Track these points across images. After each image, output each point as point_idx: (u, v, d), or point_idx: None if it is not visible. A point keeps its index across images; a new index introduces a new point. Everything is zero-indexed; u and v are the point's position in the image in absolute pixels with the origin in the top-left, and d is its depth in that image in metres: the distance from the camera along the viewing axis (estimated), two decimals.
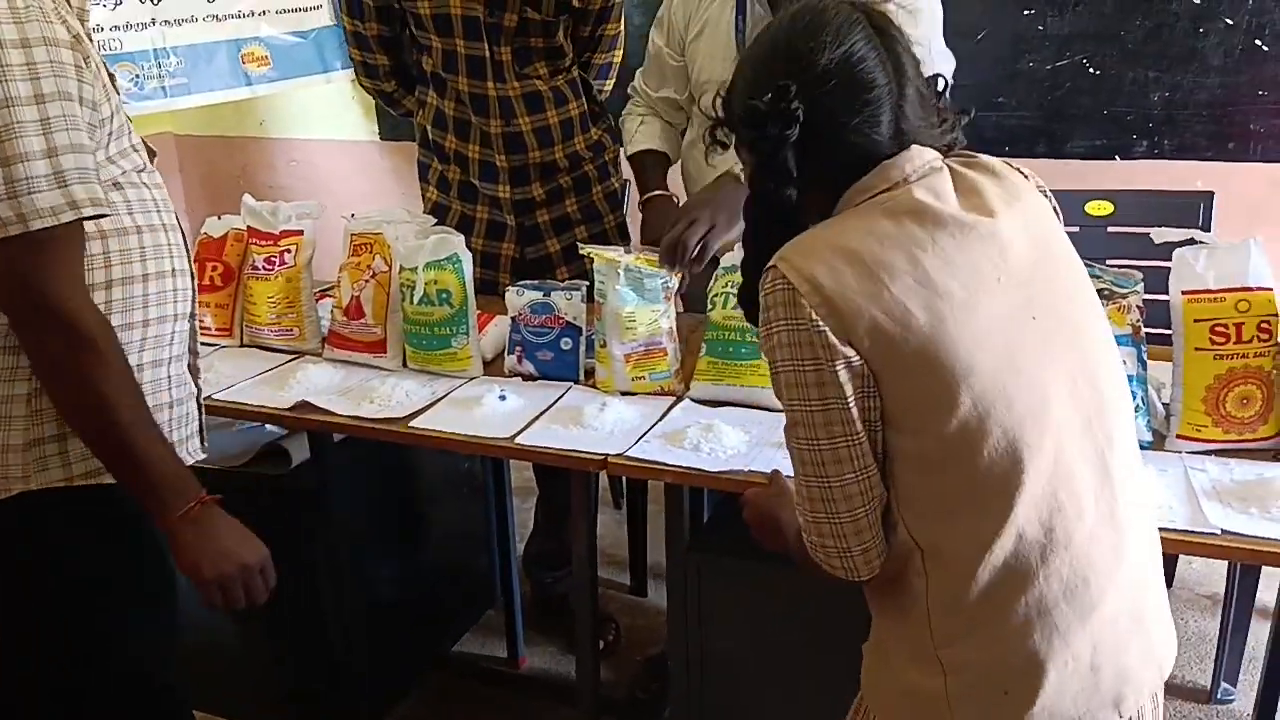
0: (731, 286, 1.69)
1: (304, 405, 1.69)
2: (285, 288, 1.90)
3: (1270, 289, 1.41)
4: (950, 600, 0.96)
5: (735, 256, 1.74)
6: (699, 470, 1.45)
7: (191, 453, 1.44)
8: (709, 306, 1.71)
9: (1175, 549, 1.24)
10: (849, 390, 0.95)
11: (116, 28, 3.00)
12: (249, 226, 1.96)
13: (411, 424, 1.63)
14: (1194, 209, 2.57)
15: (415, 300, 1.76)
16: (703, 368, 1.69)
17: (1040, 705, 0.97)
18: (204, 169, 4.15)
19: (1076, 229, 2.69)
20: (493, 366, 1.87)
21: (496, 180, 2.15)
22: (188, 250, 1.42)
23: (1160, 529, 1.24)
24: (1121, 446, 1.00)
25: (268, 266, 1.91)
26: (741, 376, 1.64)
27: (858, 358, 0.94)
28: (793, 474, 1.04)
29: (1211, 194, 2.44)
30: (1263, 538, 1.21)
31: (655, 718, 2.18)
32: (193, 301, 1.41)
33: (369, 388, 1.74)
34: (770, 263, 0.98)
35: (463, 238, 1.80)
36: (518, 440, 1.56)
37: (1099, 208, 2.67)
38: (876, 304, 0.94)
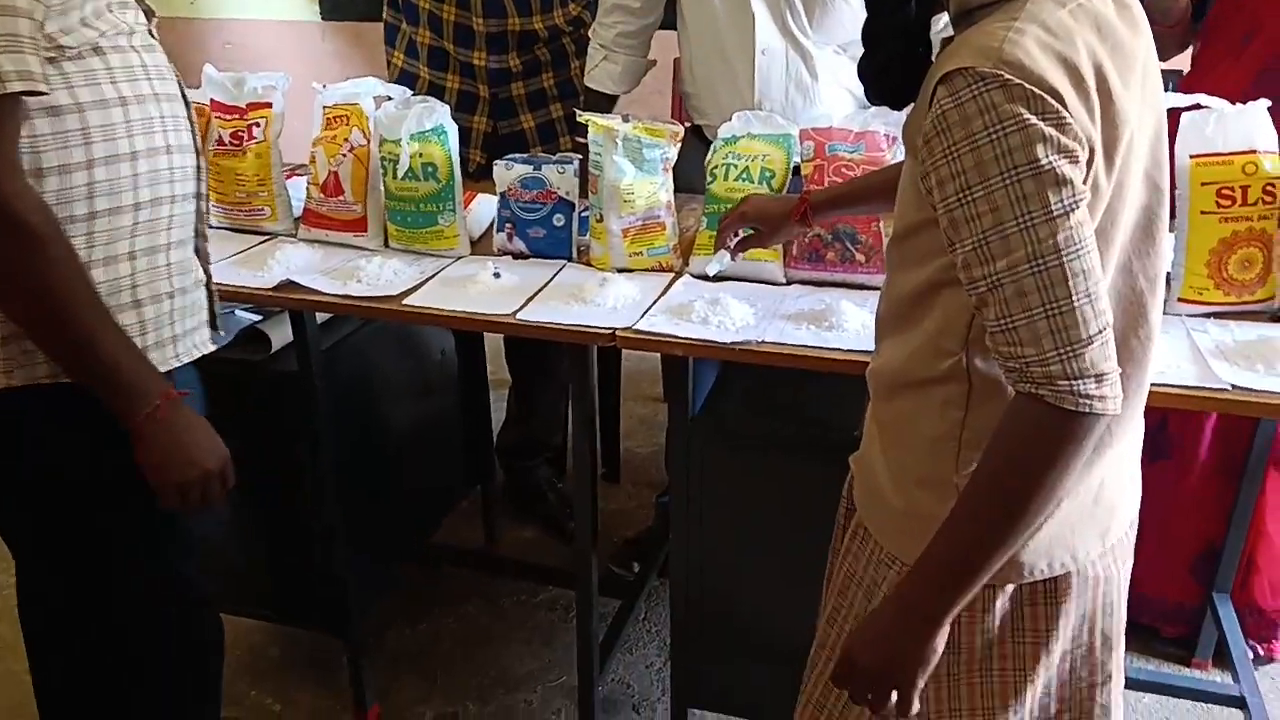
0: (732, 157, 1.65)
1: (289, 285, 1.61)
2: (255, 164, 1.80)
3: (1275, 151, 1.42)
4: (982, 435, 0.94)
5: (733, 127, 1.70)
6: (711, 342, 1.43)
7: (199, 344, 1.37)
8: (709, 179, 1.67)
9: (1188, 404, 1.27)
10: None
11: None
12: (211, 100, 1.83)
13: (405, 302, 1.57)
14: (1165, 83, 2.59)
15: (399, 175, 1.68)
16: (703, 241, 1.65)
17: (1045, 533, 0.99)
18: None
19: None
20: (479, 245, 1.81)
21: (472, 46, 2.05)
22: (191, 124, 1.32)
23: (1171, 385, 1.27)
24: (1160, 290, 1.00)
25: (235, 142, 1.80)
26: (744, 250, 1.61)
27: None
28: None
29: (1177, 70, 2.46)
30: (1272, 391, 1.24)
31: (637, 593, 2.21)
32: (198, 180, 1.32)
33: (354, 267, 1.66)
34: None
35: (447, 108, 1.71)
36: (519, 316, 1.52)
37: None
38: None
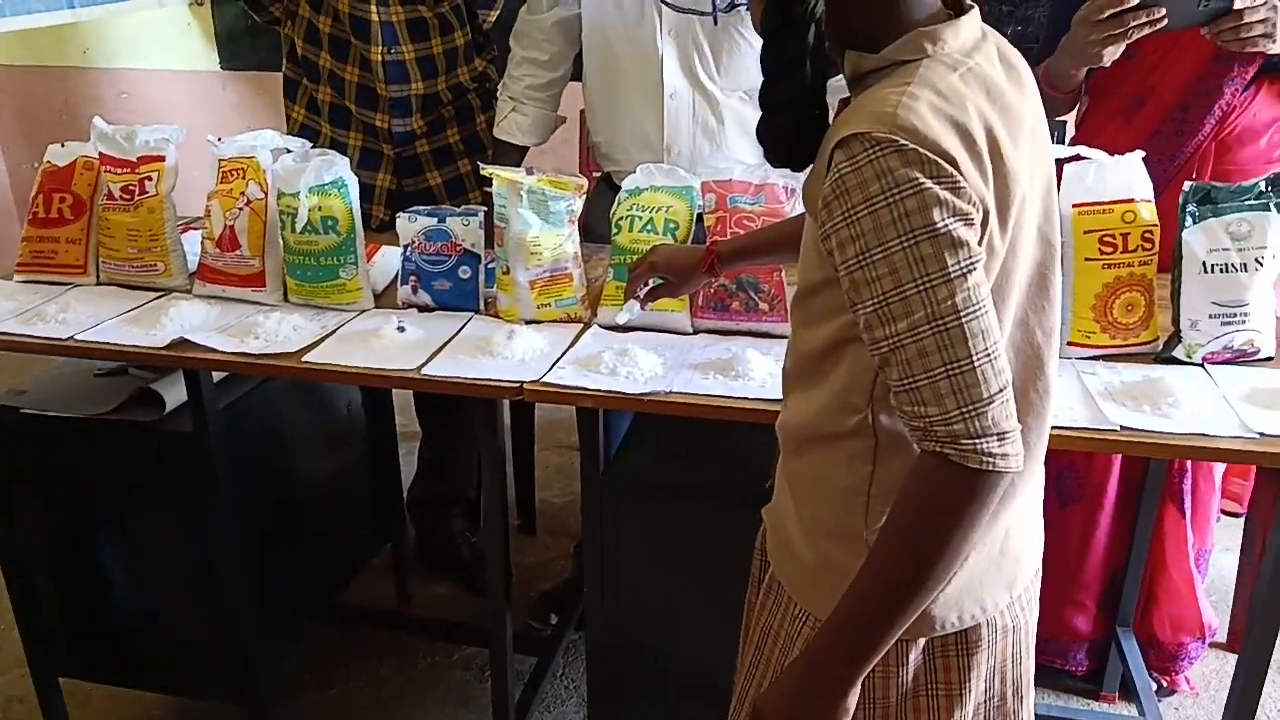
0: (636, 209, 1.66)
1: (183, 343, 1.55)
2: (147, 219, 1.74)
3: (1151, 200, 1.49)
4: (890, 489, 0.95)
5: (637, 179, 1.71)
6: (620, 394, 1.42)
7: None
8: (614, 230, 1.67)
9: (1081, 446, 1.30)
10: None
11: None
12: (101, 153, 1.77)
13: (305, 359, 1.53)
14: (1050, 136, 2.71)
15: (298, 228, 1.65)
16: (610, 292, 1.65)
17: (955, 585, 1.00)
18: (20, 101, 3.77)
19: None
20: (382, 298, 1.78)
21: (375, 108, 2.03)
22: None
23: (1065, 428, 1.31)
24: (1056, 342, 1.03)
25: (125, 196, 1.74)
26: (652, 300, 1.62)
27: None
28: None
29: (1063, 120, 2.58)
30: (1158, 431, 1.29)
31: (554, 649, 2.18)
32: None
33: (251, 323, 1.62)
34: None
35: (347, 160, 1.69)
36: (425, 371, 1.49)
37: None
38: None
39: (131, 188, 1.74)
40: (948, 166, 0.84)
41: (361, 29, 1.96)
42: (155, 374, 1.77)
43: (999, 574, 1.04)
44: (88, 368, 1.84)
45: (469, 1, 2.11)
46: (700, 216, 1.66)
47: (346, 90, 2.03)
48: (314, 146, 1.92)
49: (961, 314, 0.85)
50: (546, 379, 1.46)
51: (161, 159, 1.75)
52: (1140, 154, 1.49)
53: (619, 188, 1.77)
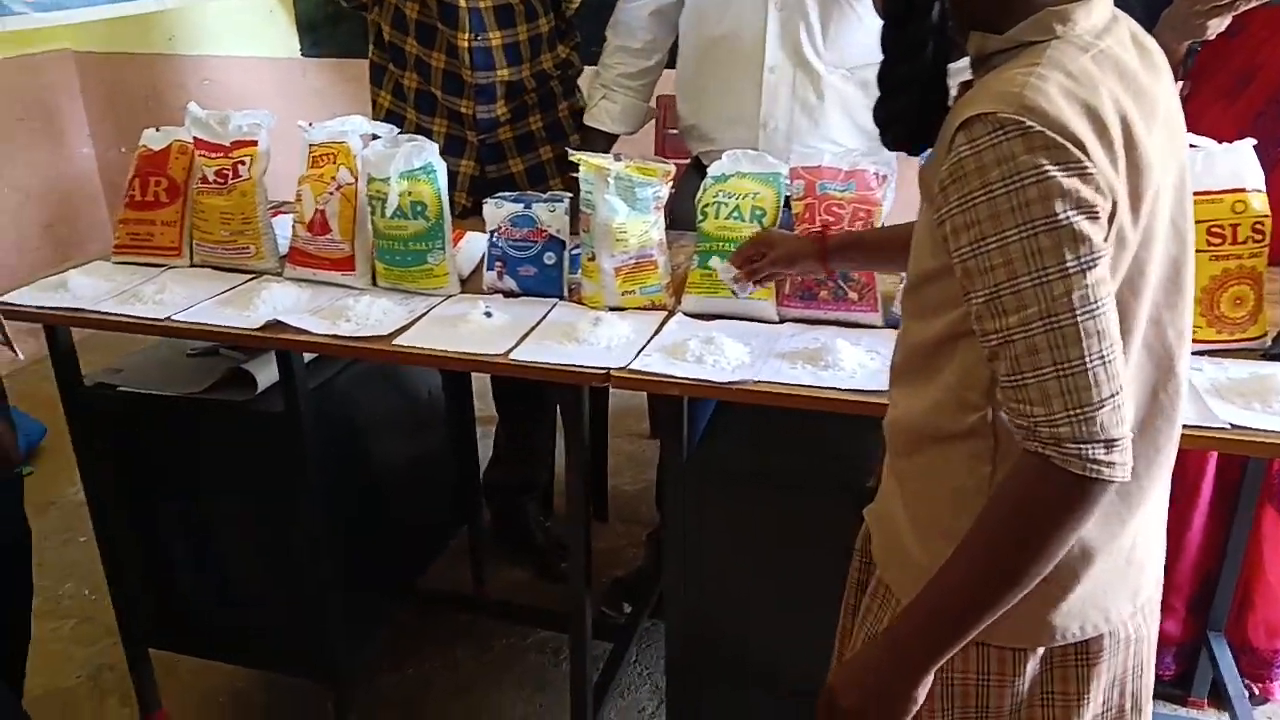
0: (723, 196, 1.65)
1: (276, 325, 1.58)
2: (240, 203, 1.77)
3: (1262, 190, 1.43)
4: None
5: (723, 165, 1.69)
6: (707, 382, 1.41)
7: None
8: (699, 217, 1.66)
9: (1189, 444, 1.25)
10: None
11: None
12: (195, 138, 1.81)
13: (396, 342, 1.55)
14: None
15: (388, 213, 1.66)
16: (695, 280, 1.64)
17: (1078, 594, 0.97)
18: (108, 88, 3.87)
19: None
20: (468, 284, 1.79)
21: (461, 94, 2.05)
22: None
23: None
24: (1188, 343, 0.99)
25: (219, 180, 1.78)
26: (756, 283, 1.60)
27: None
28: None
29: None
30: (1270, 430, 1.24)
31: (629, 635, 2.18)
32: None
33: (341, 306, 1.64)
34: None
35: (436, 146, 1.70)
36: (513, 356, 1.50)
37: None
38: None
39: (225, 171, 1.77)
40: (1076, 152, 0.81)
41: (449, 15, 1.97)
42: (246, 354, 1.80)
43: (1124, 583, 1.00)
44: (180, 347, 1.89)
45: None
46: (788, 202, 1.64)
47: (433, 76, 2.05)
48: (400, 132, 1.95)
49: (1077, 312, 0.82)
50: (633, 365, 1.46)
51: (254, 143, 1.78)
52: (1251, 142, 1.43)
53: (704, 170, 1.76)
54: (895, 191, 1.61)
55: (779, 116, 1.88)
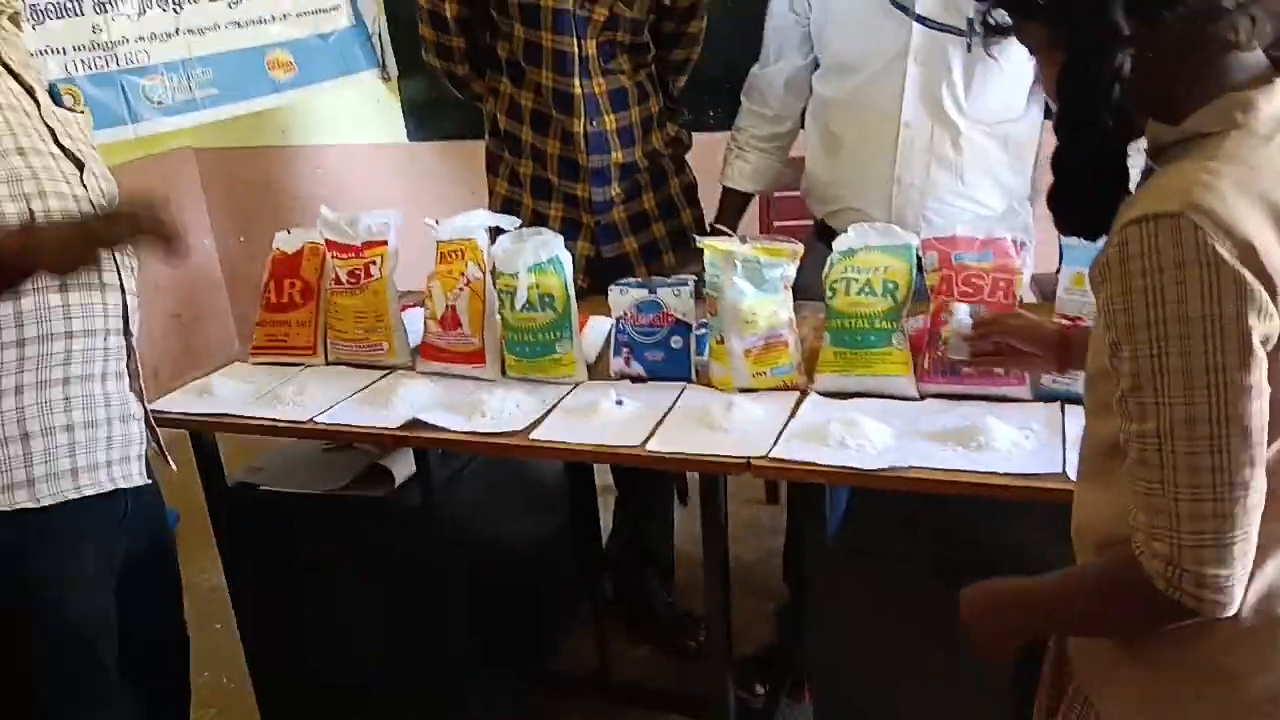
0: (852, 271, 1.62)
1: (416, 423, 1.61)
2: (372, 301, 1.82)
3: None
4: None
5: (850, 240, 1.67)
6: (854, 469, 1.37)
7: (124, 477, 1.42)
8: (829, 294, 1.63)
9: None
10: None
11: (141, 39, 2.90)
12: (327, 239, 1.87)
13: (532, 436, 1.55)
14: None
15: (518, 306, 1.68)
16: (828, 358, 1.61)
17: None
18: (225, 181, 4.06)
19: None
20: (594, 369, 1.79)
21: (576, 179, 2.07)
22: (115, 263, 1.40)
23: None
24: None
25: (352, 281, 1.83)
26: (872, 365, 1.57)
27: None
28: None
29: None
30: None
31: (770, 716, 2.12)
32: (116, 318, 1.40)
33: (476, 400, 1.66)
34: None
35: (561, 239, 1.72)
36: (649, 447, 1.49)
37: None
38: None
39: (357, 272, 1.82)
40: (1241, 260, 0.77)
41: (564, 102, 2.01)
42: (380, 449, 1.84)
43: None
44: (317, 443, 1.93)
45: (660, 68, 2.13)
46: (922, 273, 1.60)
47: (548, 163, 2.08)
48: (517, 218, 1.98)
49: (1248, 438, 0.79)
50: (774, 453, 1.43)
51: (384, 244, 1.83)
52: None
53: (830, 235, 1.73)
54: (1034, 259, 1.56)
55: (914, 174, 1.84)
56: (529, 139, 2.09)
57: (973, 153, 1.82)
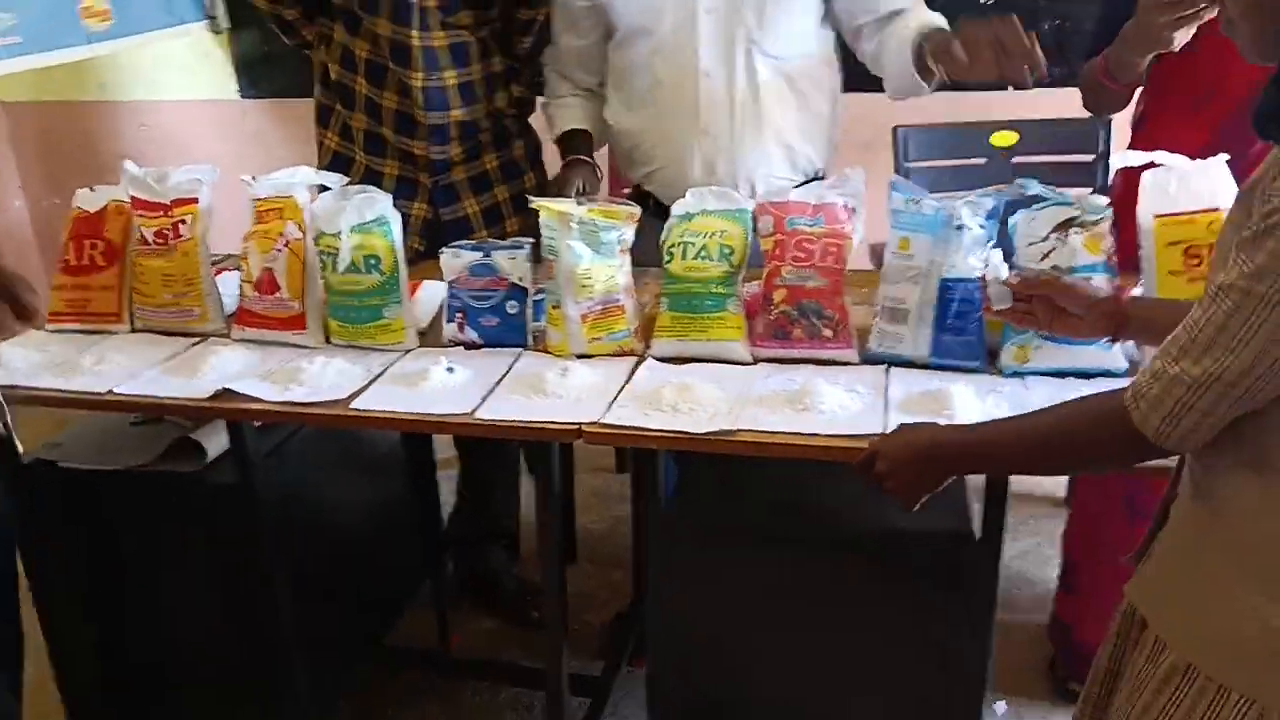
0: (689, 235, 1.60)
1: (226, 394, 1.50)
2: (182, 263, 1.69)
3: None
4: None
5: (687, 204, 1.64)
6: (685, 433, 1.35)
7: None
8: (665, 258, 1.61)
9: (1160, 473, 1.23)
10: None
11: None
12: (132, 197, 1.72)
13: (354, 405, 1.47)
14: (1093, 134, 2.63)
15: (340, 269, 1.59)
16: (665, 323, 1.59)
17: None
18: (39, 137, 3.74)
19: (983, 160, 2.73)
20: (427, 336, 1.72)
21: (414, 135, 1.98)
22: None
23: None
24: None
25: (159, 241, 1.69)
26: (707, 330, 1.56)
27: None
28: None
29: (1110, 119, 2.48)
30: None
31: (608, 688, 2.11)
32: None
33: (294, 369, 1.56)
34: None
35: (389, 197, 1.63)
36: (479, 415, 1.43)
37: (1004, 138, 2.71)
38: None
39: (165, 231, 1.69)
40: None
41: (402, 54, 1.90)
42: (193, 421, 1.71)
43: None
44: (124, 416, 1.79)
45: (506, 26, 2.05)
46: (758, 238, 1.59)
47: (384, 117, 1.98)
48: (348, 174, 1.88)
49: None
50: (606, 419, 1.40)
51: (195, 201, 1.70)
52: (1224, 158, 1.41)
53: (654, 203, 1.70)
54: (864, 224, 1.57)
55: (720, 123, 1.85)
56: (364, 91, 1.98)
57: (773, 96, 1.84)
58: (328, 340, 1.68)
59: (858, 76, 1.97)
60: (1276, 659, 0.90)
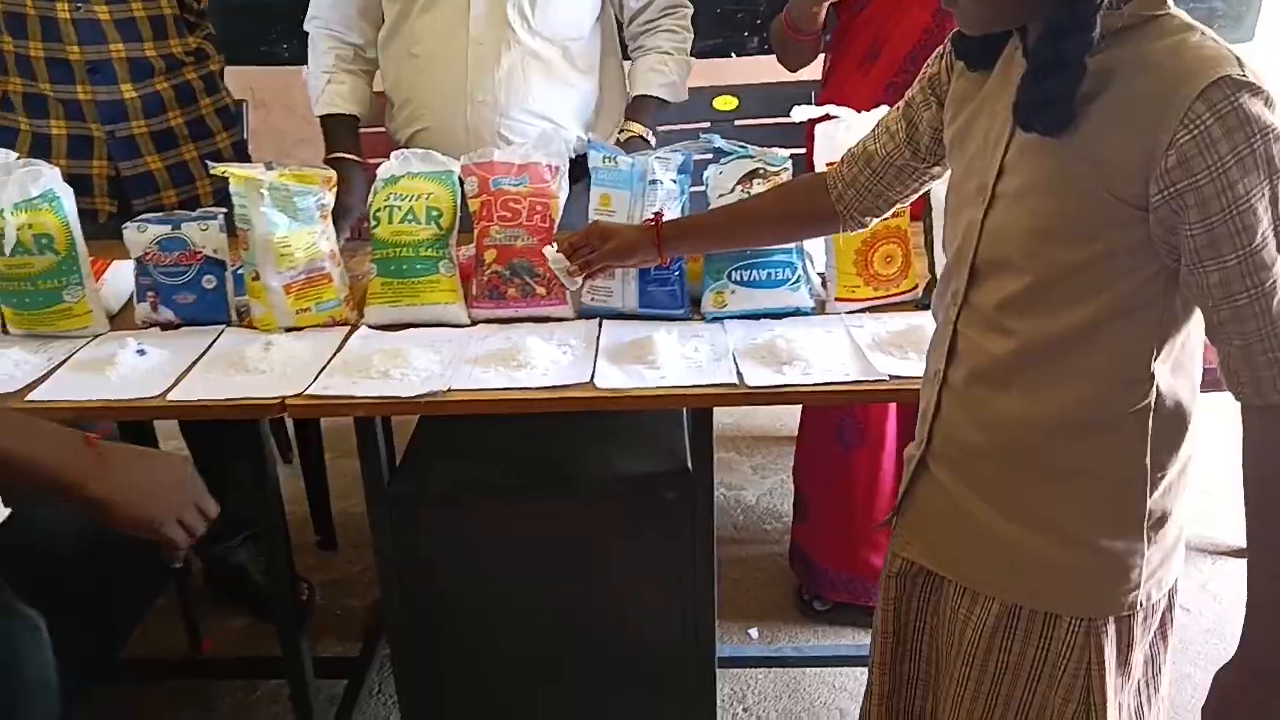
0: (395, 198, 1.57)
1: None
2: None
3: None
4: (1164, 454, 0.98)
5: (392, 166, 1.61)
6: (394, 398, 1.34)
7: None
8: (373, 223, 1.57)
9: (857, 399, 1.34)
10: None
11: None
12: None
13: (30, 397, 1.35)
14: (808, 96, 2.79)
15: (6, 251, 1.45)
16: (376, 289, 1.56)
17: (1177, 562, 1.05)
18: None
19: (706, 124, 2.83)
20: (120, 320, 1.60)
21: (72, 79, 1.81)
22: None
23: (837, 383, 1.34)
24: None
25: None
26: (420, 294, 1.54)
27: None
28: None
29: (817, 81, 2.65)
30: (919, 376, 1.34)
31: (365, 667, 2.07)
32: None
33: None
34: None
35: (57, 171, 1.50)
36: (170, 397, 1.35)
37: (725, 102, 2.82)
38: None
39: None
40: None
41: None
42: None
43: (1179, 546, 1.05)
44: None
45: None
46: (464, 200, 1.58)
47: (35, 69, 1.80)
48: (14, 148, 1.71)
49: None
50: (310, 390, 1.36)
51: None
52: (885, 109, 1.53)
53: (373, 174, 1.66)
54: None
55: (486, 90, 1.83)
56: (9, 48, 1.80)
57: (540, 69, 1.85)
58: (5, 330, 1.53)
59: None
60: (1094, 582, 1.02)
